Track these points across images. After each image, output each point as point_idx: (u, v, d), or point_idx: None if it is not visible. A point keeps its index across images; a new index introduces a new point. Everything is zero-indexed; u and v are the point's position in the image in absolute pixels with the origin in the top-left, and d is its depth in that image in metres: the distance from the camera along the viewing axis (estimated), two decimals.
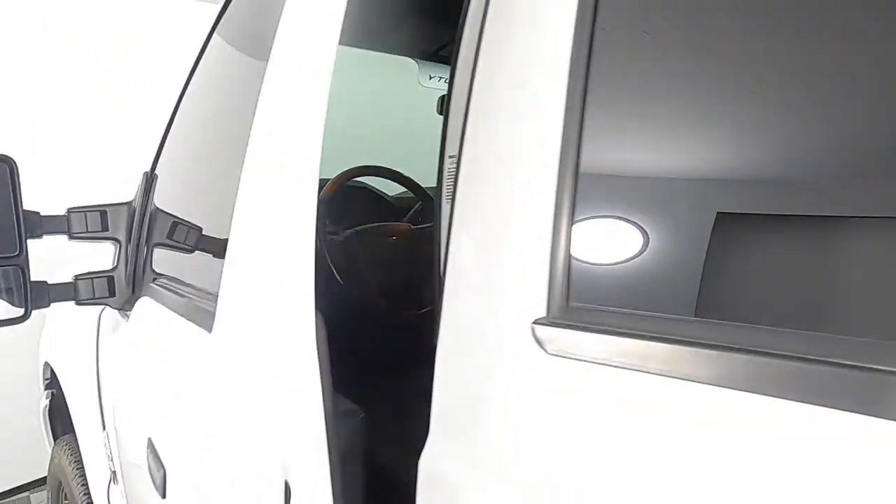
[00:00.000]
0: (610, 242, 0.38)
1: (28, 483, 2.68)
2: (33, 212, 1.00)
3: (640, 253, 0.36)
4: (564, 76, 0.38)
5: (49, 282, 1.02)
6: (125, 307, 1.05)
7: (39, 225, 1.01)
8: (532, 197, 0.39)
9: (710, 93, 0.36)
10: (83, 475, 1.41)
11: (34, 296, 0.98)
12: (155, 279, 0.91)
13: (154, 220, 1.09)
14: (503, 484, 0.38)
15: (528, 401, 0.38)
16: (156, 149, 1.14)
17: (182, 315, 0.60)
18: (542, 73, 0.39)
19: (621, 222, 0.38)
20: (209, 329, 0.49)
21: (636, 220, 0.37)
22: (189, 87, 1.10)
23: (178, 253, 0.98)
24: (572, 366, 0.36)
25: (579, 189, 0.37)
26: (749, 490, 0.29)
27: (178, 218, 1.07)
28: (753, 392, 0.29)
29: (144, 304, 0.82)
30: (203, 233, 1.02)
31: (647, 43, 0.39)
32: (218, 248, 0.91)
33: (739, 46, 0.35)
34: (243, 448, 0.43)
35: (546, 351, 0.37)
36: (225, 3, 0.97)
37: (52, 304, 1.02)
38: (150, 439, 0.58)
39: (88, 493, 1.39)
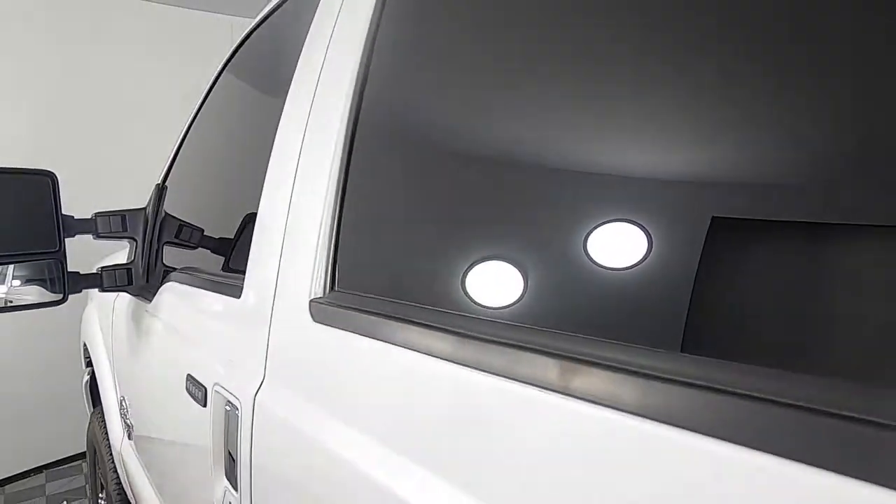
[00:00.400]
0: (362, 250, 0.60)
1: (82, 452, 2.96)
2: (68, 215, 1.23)
3: (381, 258, 0.58)
4: (345, 120, 0.60)
5: (80, 272, 1.26)
6: (141, 294, 1.30)
7: (73, 226, 1.24)
8: (317, 217, 0.61)
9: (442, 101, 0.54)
10: (108, 438, 1.65)
11: (70, 283, 1.22)
12: (175, 270, 1.16)
13: (165, 223, 1.33)
14: (290, 403, 0.60)
15: (305, 350, 0.61)
16: (166, 165, 1.39)
17: (212, 290, 0.86)
18: (329, 122, 0.62)
19: (370, 237, 0.60)
20: (238, 296, 0.76)
21: (381, 237, 0.58)
22: (199, 114, 1.34)
23: (199, 251, 1.23)
24: (327, 329, 0.56)
25: (344, 216, 0.59)
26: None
27: (184, 221, 1.32)
28: (442, 359, 0.42)
29: (173, 287, 1.08)
30: (204, 233, 1.27)
31: (407, 82, 0.58)
32: (219, 244, 1.16)
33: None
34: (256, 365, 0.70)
35: (314, 320, 0.59)
36: (238, 44, 1.22)
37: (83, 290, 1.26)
38: (188, 374, 0.84)
39: (112, 454, 1.64)
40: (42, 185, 1.21)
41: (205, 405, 0.78)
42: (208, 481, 0.77)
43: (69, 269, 1.21)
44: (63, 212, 1.21)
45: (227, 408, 0.71)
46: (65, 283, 1.20)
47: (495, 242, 0.46)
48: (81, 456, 3.05)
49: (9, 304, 1.26)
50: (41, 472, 2.96)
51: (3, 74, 2.72)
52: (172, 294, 1.08)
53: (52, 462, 3.00)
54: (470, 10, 0.54)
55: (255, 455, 0.64)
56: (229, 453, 0.71)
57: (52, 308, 1.23)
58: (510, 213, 0.46)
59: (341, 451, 0.50)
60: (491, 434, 0.38)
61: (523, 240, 0.44)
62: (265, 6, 1.11)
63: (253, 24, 1.15)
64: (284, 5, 1.00)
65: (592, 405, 0.32)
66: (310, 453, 0.54)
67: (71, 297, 1.21)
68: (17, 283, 1.27)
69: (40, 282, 1.24)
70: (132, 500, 1.49)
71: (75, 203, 1.28)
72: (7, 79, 2.73)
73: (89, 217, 1.27)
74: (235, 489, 0.69)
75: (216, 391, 0.75)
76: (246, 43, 1.19)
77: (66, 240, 1.21)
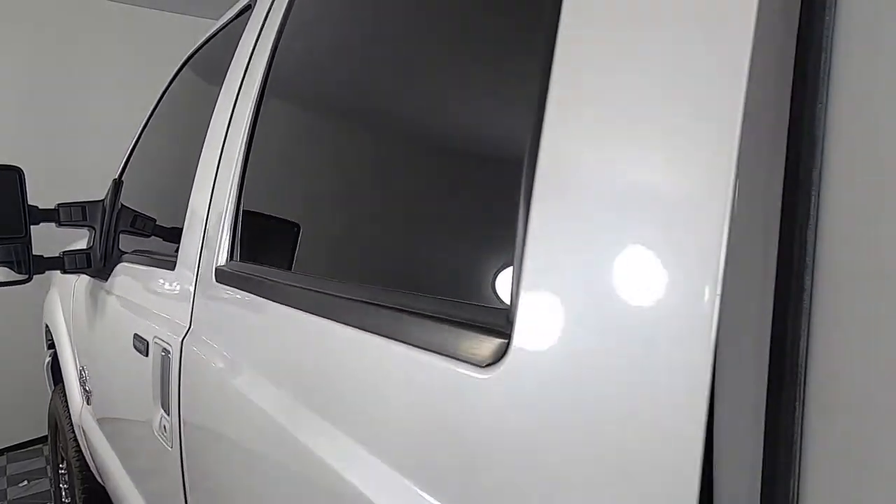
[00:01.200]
0: (254, 231, 0.81)
1: (42, 437, 3.06)
2: (34, 206, 1.40)
3: (266, 238, 0.80)
4: (247, 132, 0.82)
5: (44, 255, 1.43)
6: (99, 275, 1.48)
7: (38, 215, 1.41)
8: (224, 201, 0.83)
9: None
10: (69, 410, 1.82)
11: (34, 265, 1.39)
12: (125, 254, 1.35)
13: (121, 213, 1.52)
14: (203, 344, 0.82)
15: (210, 303, 0.82)
16: (123, 161, 1.57)
17: (154, 266, 1.06)
18: (237, 128, 0.84)
19: (258, 222, 0.80)
20: (172, 269, 0.96)
21: (265, 222, 0.81)
22: (153, 114, 1.53)
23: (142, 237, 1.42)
24: (225, 288, 0.77)
25: (242, 202, 0.80)
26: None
27: (138, 212, 1.50)
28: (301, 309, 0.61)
29: (124, 267, 1.27)
30: (156, 223, 1.45)
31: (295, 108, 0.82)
32: (169, 232, 1.35)
33: None
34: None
35: (216, 282, 0.80)
36: (193, 50, 1.40)
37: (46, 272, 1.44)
38: (135, 334, 1.04)
39: (72, 426, 1.81)
40: (10, 178, 1.37)
41: (147, 355, 0.98)
42: (149, 413, 0.97)
43: (34, 253, 1.38)
44: (29, 202, 1.38)
45: (163, 354, 0.91)
46: (30, 265, 1.37)
47: (328, 227, 0.67)
48: (42, 440, 3.18)
49: None
50: (2, 454, 3.08)
51: None
52: (124, 273, 1.27)
53: (13, 445, 3.12)
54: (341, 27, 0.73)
55: (182, 385, 0.84)
56: (163, 387, 0.91)
57: (16, 294, 1.39)
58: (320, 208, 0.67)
59: (233, 378, 0.71)
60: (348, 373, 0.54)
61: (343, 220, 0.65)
62: (226, 12, 1.29)
63: (211, 31, 1.33)
64: (240, 17, 1.18)
65: (399, 343, 0.46)
66: (212, 378, 0.75)
67: (34, 281, 1.38)
68: None
69: (8, 263, 1.41)
70: (90, 462, 1.67)
71: (42, 195, 1.45)
72: None
73: (53, 207, 1.45)
74: (168, 414, 0.89)
75: (155, 342, 0.95)
76: (202, 49, 1.38)
77: (32, 227, 1.38)
